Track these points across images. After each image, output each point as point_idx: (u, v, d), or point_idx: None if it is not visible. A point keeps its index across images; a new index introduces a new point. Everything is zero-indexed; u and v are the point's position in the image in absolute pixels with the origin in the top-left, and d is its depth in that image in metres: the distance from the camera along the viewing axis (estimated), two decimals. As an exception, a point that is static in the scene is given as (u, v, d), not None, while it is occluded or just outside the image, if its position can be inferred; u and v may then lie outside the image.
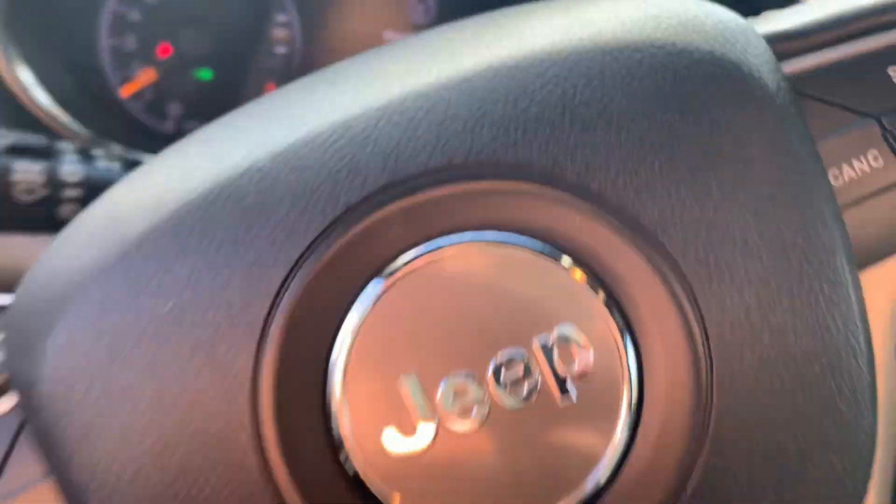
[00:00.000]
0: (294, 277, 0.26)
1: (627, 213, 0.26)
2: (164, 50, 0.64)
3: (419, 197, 0.26)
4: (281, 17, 0.65)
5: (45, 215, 0.44)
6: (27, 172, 0.43)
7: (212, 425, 0.25)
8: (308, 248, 0.26)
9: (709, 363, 0.25)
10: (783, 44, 0.30)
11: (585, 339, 0.25)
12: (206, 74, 0.65)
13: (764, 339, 0.26)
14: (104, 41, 0.62)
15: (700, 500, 0.26)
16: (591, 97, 0.27)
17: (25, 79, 0.54)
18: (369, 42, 0.66)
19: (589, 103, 0.27)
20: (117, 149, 0.52)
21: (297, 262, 0.26)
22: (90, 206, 0.30)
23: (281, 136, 0.27)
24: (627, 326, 0.26)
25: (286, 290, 0.26)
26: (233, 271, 0.25)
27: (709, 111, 0.27)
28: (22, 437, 0.27)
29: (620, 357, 0.26)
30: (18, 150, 0.43)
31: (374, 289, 0.26)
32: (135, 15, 0.63)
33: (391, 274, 0.26)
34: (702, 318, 0.26)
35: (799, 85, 0.29)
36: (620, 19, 0.29)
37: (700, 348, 0.25)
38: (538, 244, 0.26)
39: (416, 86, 0.27)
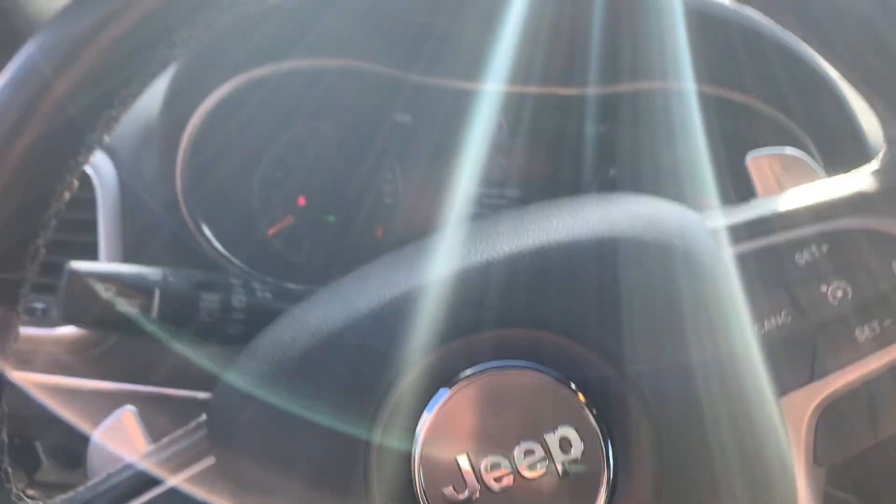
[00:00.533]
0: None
1: (615, 360, 0.40)
2: (300, 201, 0.83)
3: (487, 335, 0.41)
4: (388, 175, 0.83)
5: (220, 332, 0.62)
6: (209, 301, 0.60)
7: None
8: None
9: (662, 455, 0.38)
10: (724, 234, 0.44)
11: (579, 437, 0.39)
12: (330, 219, 0.83)
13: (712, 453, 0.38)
14: (257, 195, 0.82)
15: None
16: (601, 281, 0.41)
17: (208, 233, 0.73)
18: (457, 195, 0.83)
19: (600, 285, 0.41)
20: (270, 282, 0.70)
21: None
22: (262, 334, 0.46)
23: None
24: (609, 433, 0.39)
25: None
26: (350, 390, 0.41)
27: (664, 288, 0.41)
28: None
29: (603, 451, 0.39)
30: (204, 285, 0.61)
31: (441, 395, 0.40)
32: (279, 174, 0.82)
33: (454, 384, 0.40)
34: (659, 428, 0.39)
35: (736, 263, 0.43)
36: (610, 221, 0.43)
37: (656, 451, 0.38)
38: (553, 373, 0.40)
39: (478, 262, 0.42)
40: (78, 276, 0.57)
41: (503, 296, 0.41)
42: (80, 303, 0.57)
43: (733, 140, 0.80)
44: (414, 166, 0.83)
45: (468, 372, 0.40)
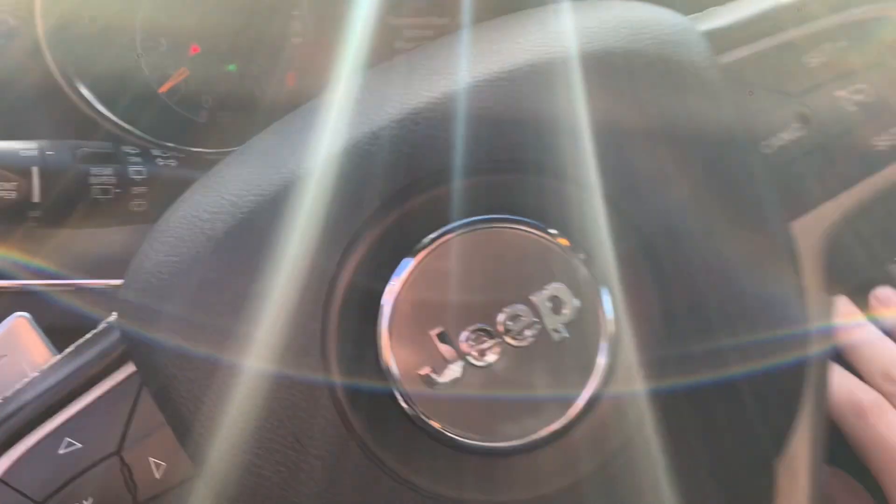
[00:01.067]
0: (350, 252, 0.34)
1: (599, 191, 0.34)
2: (193, 50, 0.71)
3: (440, 190, 0.34)
4: (294, 9, 0.71)
5: (119, 210, 0.52)
6: (101, 175, 0.51)
7: (290, 360, 0.33)
8: (356, 233, 0.34)
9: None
10: (720, 38, 0.37)
11: (570, 292, 0.33)
12: (231, 68, 0.72)
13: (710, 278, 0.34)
14: (140, 45, 0.69)
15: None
16: (567, 106, 0.34)
17: (87, 94, 0.61)
18: (374, 28, 0.72)
19: (565, 111, 0.34)
20: (171, 147, 0.60)
21: (348, 244, 0.34)
22: (175, 207, 0.38)
23: (328, 144, 0.35)
24: (604, 280, 0.34)
25: (346, 260, 0.34)
26: (303, 251, 0.33)
27: (657, 100, 0.35)
28: (141, 397, 0.36)
29: (600, 304, 0.34)
30: (93, 157, 0.51)
31: (406, 264, 0.34)
32: (163, 18, 0.70)
33: (419, 251, 0.34)
34: (660, 268, 0.33)
35: (735, 72, 0.36)
36: (586, 30, 0.36)
37: (655, 290, 0.33)
38: (532, 221, 0.34)
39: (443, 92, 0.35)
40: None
41: (461, 137, 0.34)
42: (-65, 194, 0.46)
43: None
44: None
45: (432, 236, 0.34)
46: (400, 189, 0.33)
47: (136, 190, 0.52)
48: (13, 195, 0.47)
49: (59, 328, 0.46)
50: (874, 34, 0.36)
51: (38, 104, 0.63)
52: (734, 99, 0.35)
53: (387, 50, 0.73)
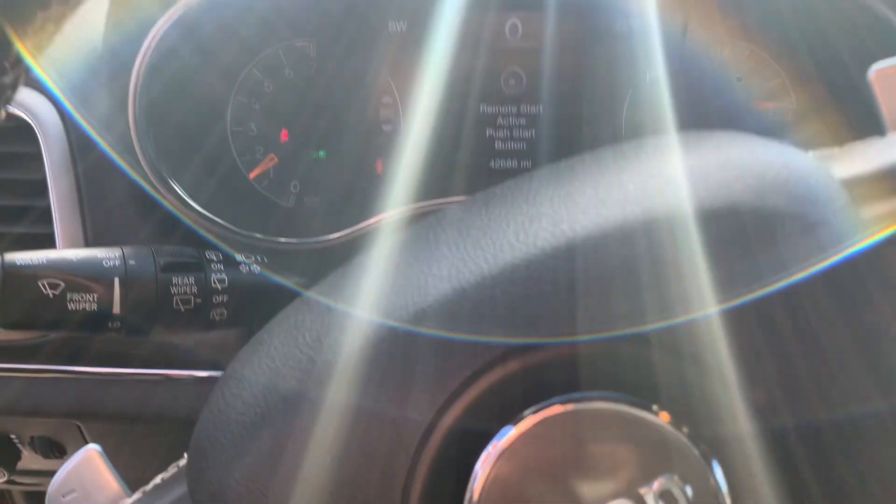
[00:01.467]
0: (445, 411, 0.31)
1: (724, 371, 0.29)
2: (283, 136, 0.70)
3: (538, 359, 0.30)
4: (385, 97, 0.70)
5: (199, 318, 0.51)
6: (182, 285, 0.49)
7: None
8: (450, 397, 0.30)
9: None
10: (861, 188, 0.32)
11: (684, 491, 0.29)
12: (320, 154, 0.71)
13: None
14: (231, 132, 0.69)
15: None
16: (689, 271, 0.30)
17: (174, 184, 0.61)
18: (467, 115, 0.70)
19: (687, 274, 0.30)
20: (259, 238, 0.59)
21: (444, 402, 0.30)
22: (251, 349, 0.36)
23: (423, 290, 0.32)
24: (730, 486, 0.29)
25: (440, 419, 0.31)
26: (391, 406, 0.31)
27: (790, 264, 0.30)
28: None
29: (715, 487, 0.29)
30: (175, 266, 0.50)
31: (504, 434, 0.30)
32: (255, 106, 0.69)
33: (517, 423, 0.30)
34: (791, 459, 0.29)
35: (878, 227, 0.32)
36: (708, 180, 0.32)
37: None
38: (641, 400, 0.30)
39: (531, 256, 0.31)
40: (15, 273, 0.45)
41: (568, 298, 0.30)
42: (20, 306, 0.45)
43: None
44: (415, 84, 0.70)
45: (536, 407, 0.30)
46: (504, 351, 0.30)
47: (218, 298, 0.51)
48: (94, 307, 0.47)
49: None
50: None
51: (126, 193, 0.63)
52: (883, 263, 0.31)
53: (481, 136, 0.71)
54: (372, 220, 0.67)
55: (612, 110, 0.70)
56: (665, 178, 0.33)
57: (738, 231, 0.30)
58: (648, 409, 0.30)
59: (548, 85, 0.70)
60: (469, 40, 0.69)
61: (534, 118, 0.71)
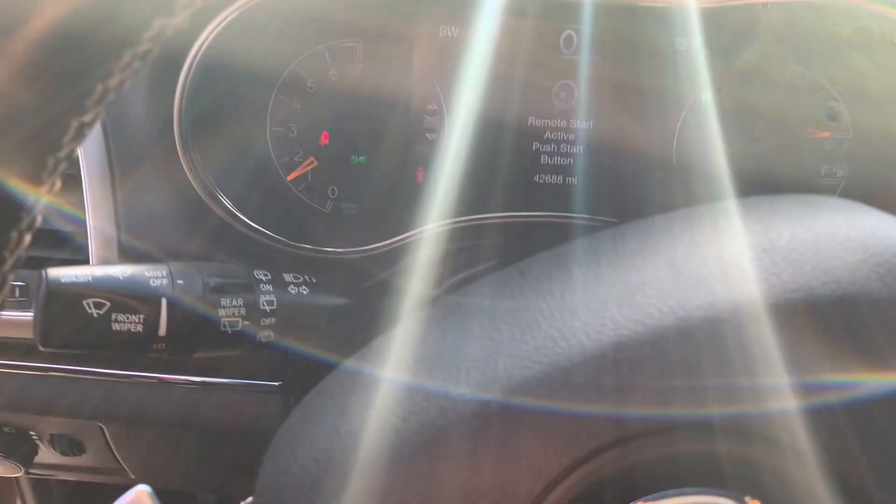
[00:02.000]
0: None
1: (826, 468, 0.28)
2: (323, 138, 0.68)
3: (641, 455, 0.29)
4: (431, 104, 0.67)
5: (246, 340, 0.49)
6: (231, 307, 0.47)
7: None
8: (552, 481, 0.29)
9: None
10: None
11: None
12: (360, 160, 0.68)
13: None
14: (270, 133, 0.67)
15: None
16: (799, 362, 0.28)
17: (221, 197, 0.59)
18: (514, 127, 0.68)
19: (800, 362, 0.28)
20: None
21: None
22: (296, 437, 0.34)
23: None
24: None
25: None
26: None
27: None
28: None
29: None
30: (224, 288, 0.48)
31: None
32: (296, 107, 0.67)
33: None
34: None
35: None
36: (823, 265, 0.30)
37: None
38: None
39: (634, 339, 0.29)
40: (58, 291, 0.43)
41: (673, 391, 0.29)
42: (63, 326, 0.43)
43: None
44: (463, 92, 0.67)
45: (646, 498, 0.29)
46: (596, 447, 0.29)
47: (266, 321, 0.49)
48: (140, 328, 0.45)
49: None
50: None
51: (171, 200, 0.61)
52: None
53: (526, 149, 0.68)
54: (412, 233, 0.65)
55: (665, 131, 0.68)
56: (782, 257, 0.31)
57: (865, 321, 0.29)
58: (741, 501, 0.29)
59: (600, 100, 0.68)
60: (522, 50, 0.66)
61: (583, 134, 0.68)
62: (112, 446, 0.68)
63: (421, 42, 0.66)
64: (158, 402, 0.64)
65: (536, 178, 0.69)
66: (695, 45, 0.66)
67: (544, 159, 0.69)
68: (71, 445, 0.69)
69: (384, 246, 0.65)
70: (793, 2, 0.63)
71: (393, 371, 0.33)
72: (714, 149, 0.68)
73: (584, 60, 0.67)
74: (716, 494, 0.29)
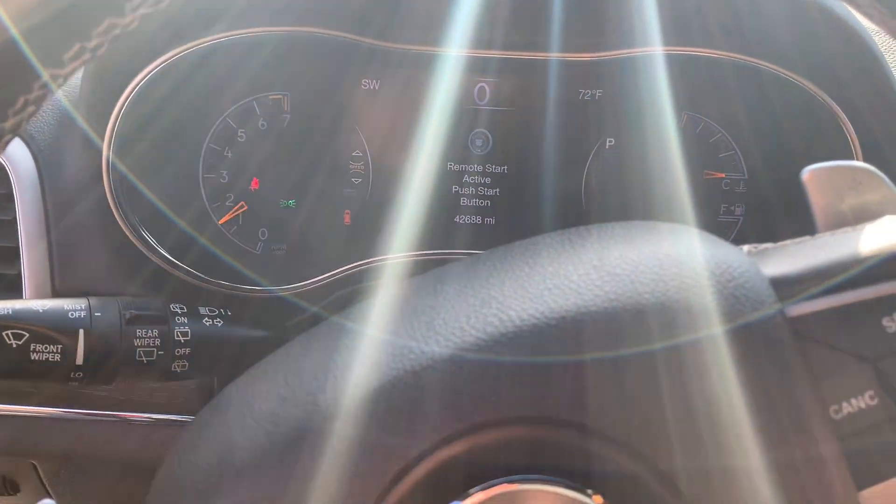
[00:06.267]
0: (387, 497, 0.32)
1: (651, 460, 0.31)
2: (253, 184, 0.72)
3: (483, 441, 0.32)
4: (356, 153, 0.72)
5: (160, 370, 0.52)
6: (146, 338, 0.51)
7: None
8: (390, 483, 0.32)
9: None
10: (789, 287, 0.35)
11: None
12: (290, 203, 0.72)
13: None
14: (202, 180, 0.71)
15: None
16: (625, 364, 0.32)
17: (145, 234, 0.62)
18: (435, 171, 0.72)
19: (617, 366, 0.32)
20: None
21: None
22: (205, 417, 0.37)
23: (367, 373, 0.34)
24: None
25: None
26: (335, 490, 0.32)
27: (720, 360, 0.33)
28: None
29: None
30: (140, 320, 0.51)
31: None
32: (227, 155, 0.71)
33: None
34: None
35: (803, 327, 0.34)
36: (643, 277, 0.34)
37: None
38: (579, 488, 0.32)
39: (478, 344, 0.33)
40: (-22, 321, 0.46)
41: (512, 384, 0.32)
42: (-17, 354, 0.46)
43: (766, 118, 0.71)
44: (385, 141, 0.72)
45: (477, 488, 0.32)
46: (442, 437, 0.32)
47: (180, 351, 0.52)
48: (57, 357, 0.48)
49: None
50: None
51: (93, 232, 0.63)
52: (802, 360, 0.33)
53: (447, 193, 0.73)
54: (339, 271, 0.69)
55: (573, 173, 0.73)
56: (606, 271, 0.35)
57: (676, 327, 0.33)
58: (584, 492, 0.32)
59: (512, 147, 0.73)
60: (438, 101, 0.71)
61: (498, 177, 0.73)
62: (46, 484, 0.70)
63: (344, 94, 0.71)
64: (87, 439, 0.66)
65: (457, 219, 0.74)
66: (597, 95, 0.71)
67: (464, 201, 0.74)
68: (5, 484, 0.70)
69: (311, 284, 0.68)
70: (687, 55, 0.69)
71: (259, 381, 0.36)
72: (619, 190, 0.73)
73: (496, 110, 0.72)
74: (559, 485, 0.32)
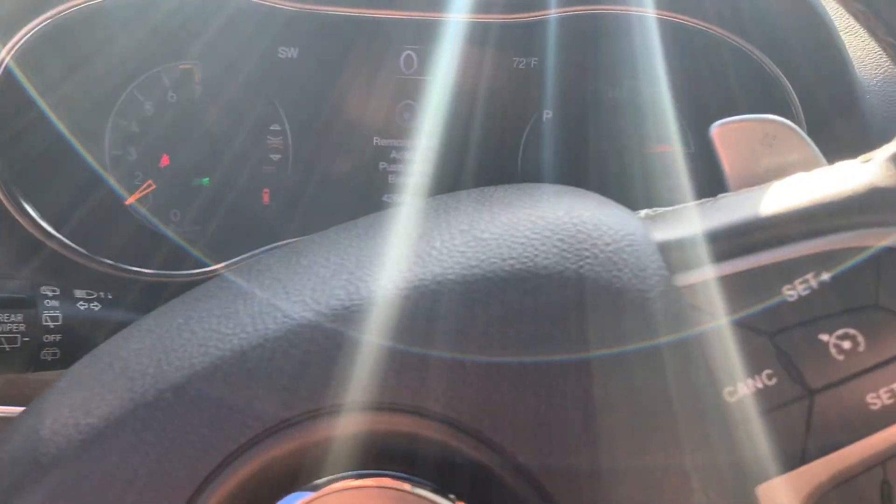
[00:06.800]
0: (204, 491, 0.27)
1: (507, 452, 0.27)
2: (163, 160, 0.67)
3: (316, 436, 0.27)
4: (274, 124, 0.67)
5: (27, 358, 0.47)
6: (9, 323, 0.46)
7: None
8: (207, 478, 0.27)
9: None
10: (679, 253, 0.30)
11: None
12: (204, 182, 0.67)
13: None
14: (108, 155, 0.66)
15: None
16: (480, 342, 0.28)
17: (30, 209, 0.57)
18: (360, 147, 0.67)
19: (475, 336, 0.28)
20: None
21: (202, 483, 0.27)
22: (40, 405, 0.32)
23: (190, 359, 0.29)
24: None
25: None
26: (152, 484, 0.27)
27: (593, 332, 0.28)
28: None
29: None
30: (2, 302, 0.46)
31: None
32: (134, 129, 0.66)
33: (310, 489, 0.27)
34: None
35: (695, 297, 0.29)
36: (510, 241, 0.30)
37: None
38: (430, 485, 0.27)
39: (310, 321, 0.29)
40: None
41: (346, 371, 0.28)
42: None
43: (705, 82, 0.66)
44: (305, 113, 0.67)
45: (321, 481, 0.28)
46: (270, 427, 0.27)
47: (49, 338, 0.47)
48: None
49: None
50: (869, 266, 0.29)
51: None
52: (692, 336, 0.28)
53: (374, 170, 0.68)
54: (256, 252, 0.64)
55: (509, 148, 0.68)
56: (473, 235, 0.30)
57: (541, 295, 0.28)
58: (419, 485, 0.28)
59: (444, 118, 0.68)
60: (363, 70, 0.66)
61: (429, 152, 0.68)
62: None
63: (260, 63, 0.66)
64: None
65: (385, 198, 0.69)
66: (534, 62, 0.67)
67: (392, 178, 0.69)
68: None
69: (222, 268, 0.63)
70: (629, 16, 0.64)
71: (87, 367, 0.31)
72: (557, 167, 0.68)
73: (424, 80, 0.67)
74: (415, 484, 0.28)
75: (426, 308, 0.28)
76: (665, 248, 0.30)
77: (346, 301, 0.29)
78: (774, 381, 0.28)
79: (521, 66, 0.67)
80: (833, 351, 0.28)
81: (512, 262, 0.29)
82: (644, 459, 0.27)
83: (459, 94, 0.67)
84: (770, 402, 0.29)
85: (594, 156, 0.68)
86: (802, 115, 0.60)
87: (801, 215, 0.30)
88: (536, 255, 0.29)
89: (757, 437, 0.29)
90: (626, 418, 0.27)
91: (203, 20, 0.64)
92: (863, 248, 0.29)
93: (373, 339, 0.28)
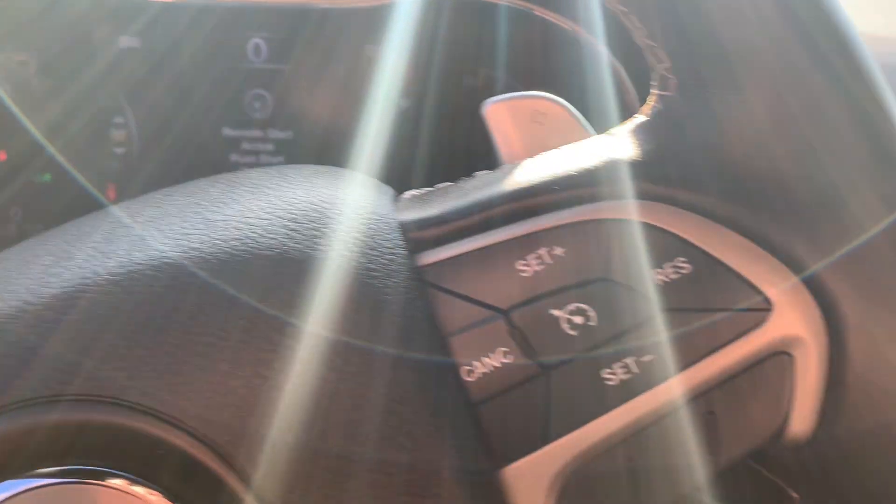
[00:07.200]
0: None
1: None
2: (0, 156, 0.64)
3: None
4: (117, 117, 0.65)
5: None
6: None
7: None
8: None
9: None
10: (421, 232, 0.29)
11: None
12: (45, 178, 0.65)
13: None
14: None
15: None
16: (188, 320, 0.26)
17: None
18: (208, 139, 0.65)
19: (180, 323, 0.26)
20: None
21: None
22: None
23: None
24: None
25: None
26: None
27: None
28: None
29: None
30: None
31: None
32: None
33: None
34: None
35: (433, 276, 0.29)
36: (240, 222, 0.28)
37: None
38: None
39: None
40: None
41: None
42: None
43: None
44: (149, 104, 0.65)
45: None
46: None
47: None
48: None
49: None
50: (600, 238, 0.28)
51: None
52: (432, 314, 0.28)
53: (224, 162, 0.66)
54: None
55: (363, 136, 0.67)
56: (203, 218, 0.29)
57: (257, 275, 0.27)
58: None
59: (296, 109, 0.66)
60: (208, 59, 0.65)
61: (282, 143, 0.67)
62: None
63: (100, 54, 0.64)
64: None
65: (239, 192, 0.67)
66: (383, 51, 0.66)
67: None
68: None
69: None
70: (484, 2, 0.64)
71: None
72: (417, 158, 0.67)
73: (275, 69, 0.66)
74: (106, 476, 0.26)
75: (138, 292, 0.26)
76: (407, 228, 0.29)
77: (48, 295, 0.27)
78: (510, 358, 0.28)
79: (370, 55, 0.66)
80: (565, 326, 0.28)
81: (235, 242, 0.27)
82: (368, 447, 0.26)
83: (310, 83, 0.66)
84: (507, 381, 0.28)
85: (455, 147, 0.67)
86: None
87: (538, 190, 0.29)
88: (262, 236, 0.28)
89: (498, 417, 0.28)
90: (344, 399, 0.26)
91: (38, 9, 0.61)
92: (597, 222, 0.28)
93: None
